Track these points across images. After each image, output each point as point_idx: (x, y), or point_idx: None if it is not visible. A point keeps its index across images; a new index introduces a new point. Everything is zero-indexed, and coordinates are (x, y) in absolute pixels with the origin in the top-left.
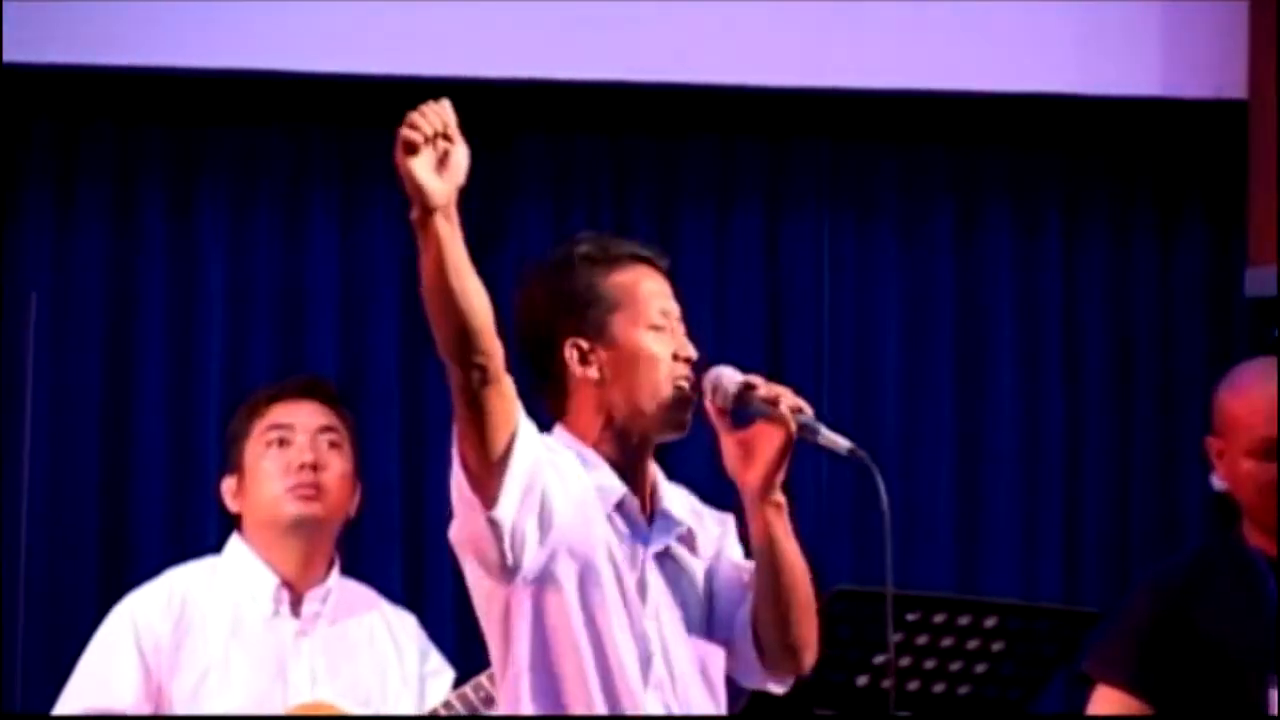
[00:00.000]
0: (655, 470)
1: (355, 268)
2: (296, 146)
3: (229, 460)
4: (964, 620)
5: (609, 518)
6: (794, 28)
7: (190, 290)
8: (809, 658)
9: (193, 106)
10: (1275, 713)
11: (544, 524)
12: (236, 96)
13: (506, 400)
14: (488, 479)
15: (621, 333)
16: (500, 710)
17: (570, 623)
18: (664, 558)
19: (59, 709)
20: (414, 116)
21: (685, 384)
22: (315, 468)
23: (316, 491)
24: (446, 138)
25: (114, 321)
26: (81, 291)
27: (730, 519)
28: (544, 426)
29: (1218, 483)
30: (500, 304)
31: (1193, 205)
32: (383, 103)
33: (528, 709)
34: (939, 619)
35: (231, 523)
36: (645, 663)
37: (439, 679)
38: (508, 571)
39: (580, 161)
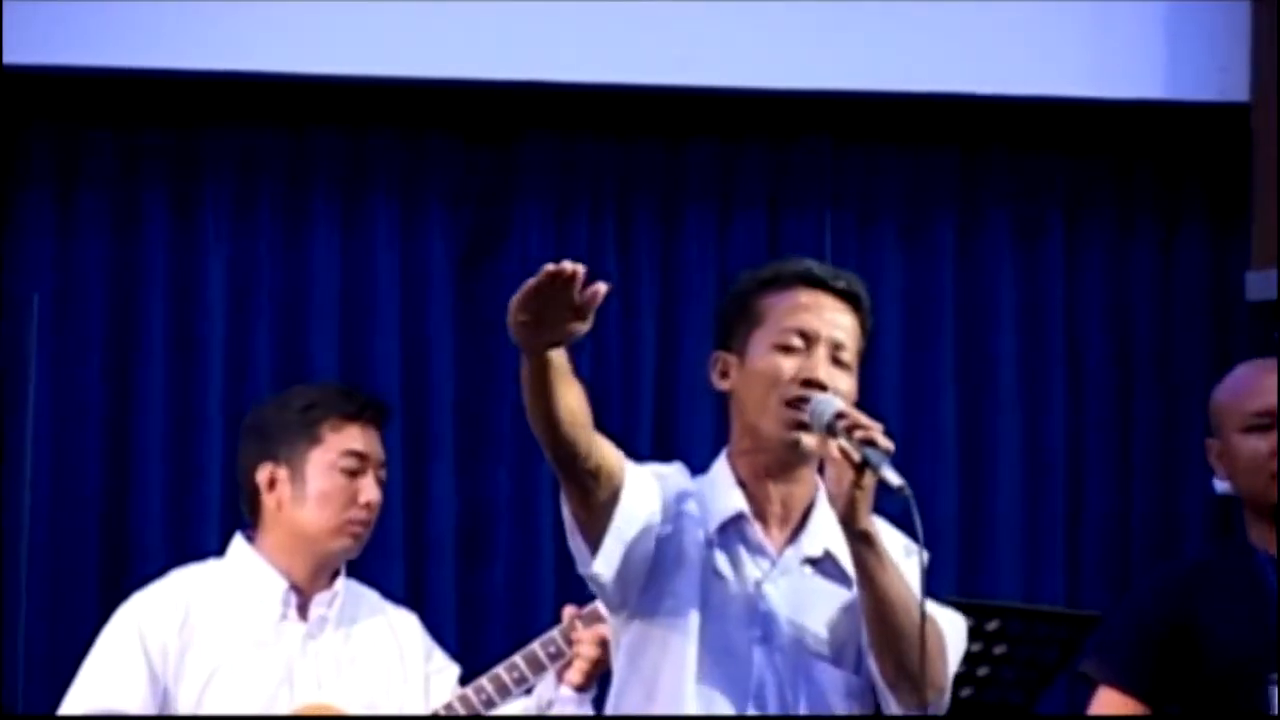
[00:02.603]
0: (812, 490)
1: (357, 270)
2: (299, 149)
3: (273, 449)
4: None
5: (713, 539)
6: (795, 30)
7: (192, 292)
8: (931, 694)
9: (194, 108)
10: (1276, 710)
11: (645, 571)
12: (238, 98)
13: (606, 467)
14: (591, 533)
15: (753, 349)
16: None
17: (662, 654)
18: (801, 573)
19: (64, 710)
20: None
21: (795, 406)
22: (373, 509)
23: (366, 531)
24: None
25: (116, 323)
26: (83, 293)
27: (916, 549)
28: None
29: (1220, 485)
30: (503, 304)
31: (1194, 208)
32: (385, 105)
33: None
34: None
35: (234, 522)
36: (751, 685)
37: (443, 676)
38: (613, 608)
39: (583, 163)
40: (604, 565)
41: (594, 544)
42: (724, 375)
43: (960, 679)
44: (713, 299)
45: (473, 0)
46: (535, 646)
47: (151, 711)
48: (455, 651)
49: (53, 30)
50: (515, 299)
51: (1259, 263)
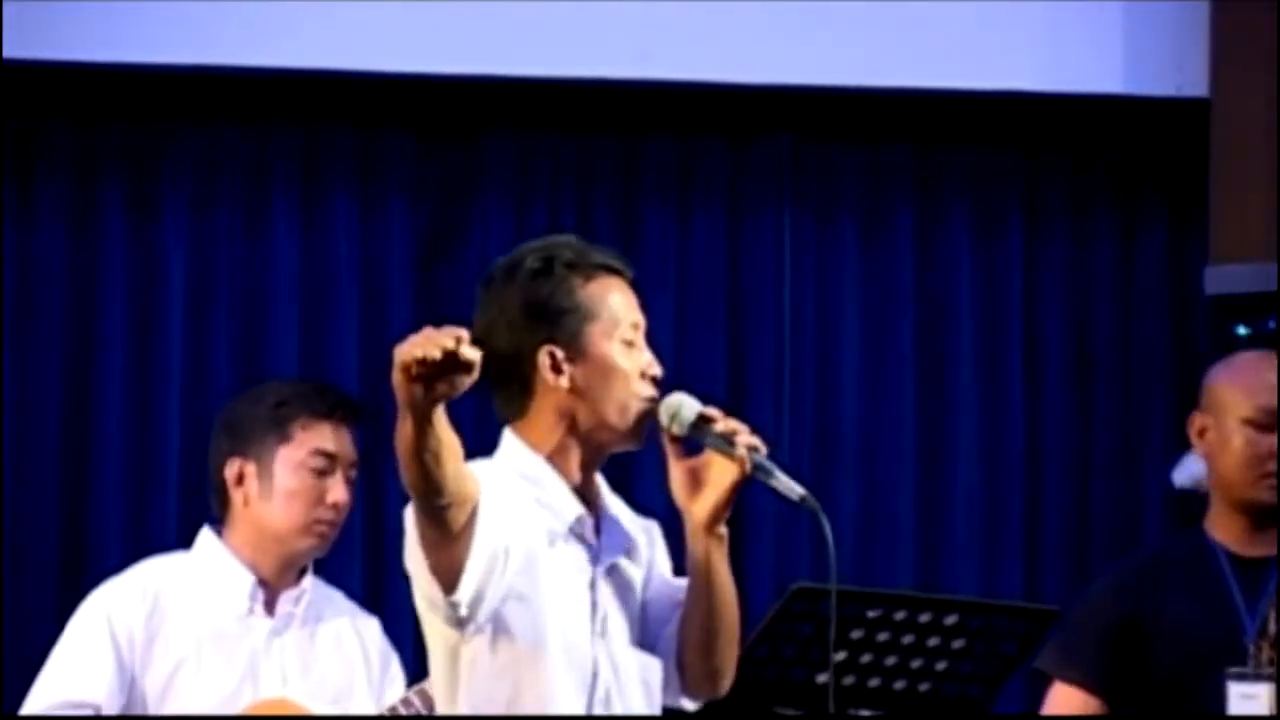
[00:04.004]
0: (600, 481)
1: (317, 266)
2: (257, 143)
3: (243, 445)
4: (925, 617)
5: (562, 540)
6: (754, 25)
7: (151, 287)
8: (726, 683)
9: (153, 103)
10: (1232, 708)
11: (497, 583)
12: (197, 93)
13: (468, 494)
14: (448, 568)
15: (595, 345)
16: None
17: (519, 655)
18: (613, 571)
19: (31, 700)
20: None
21: (650, 402)
22: (339, 509)
23: (333, 531)
24: (465, 369)
25: (74, 318)
26: (42, 289)
27: (655, 527)
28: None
29: (1180, 478)
30: (462, 300)
31: (1153, 203)
32: (345, 98)
33: None
34: (900, 616)
35: (190, 518)
36: (593, 681)
37: (394, 687)
38: (460, 625)
39: (542, 159)
40: (467, 590)
41: (453, 569)
42: (556, 370)
43: (919, 673)
44: (672, 294)
45: None
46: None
47: (119, 700)
48: (410, 652)
49: (9, 25)
50: (405, 363)
51: (1217, 257)
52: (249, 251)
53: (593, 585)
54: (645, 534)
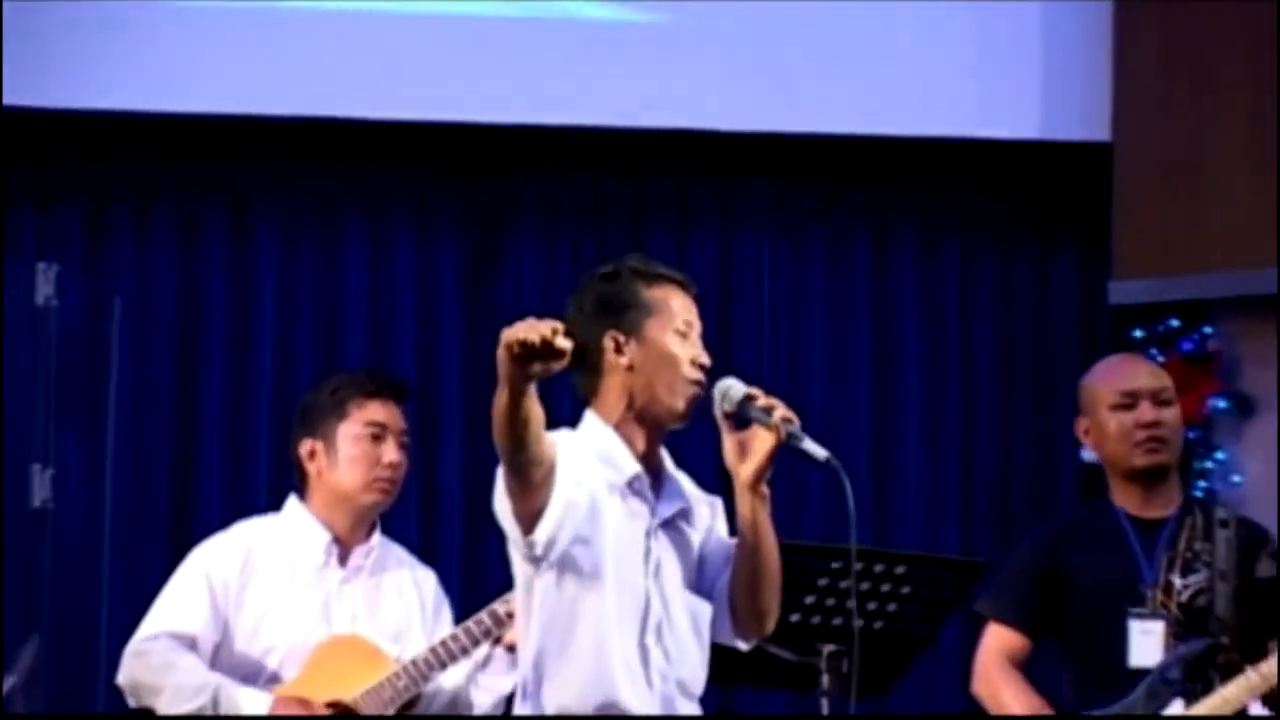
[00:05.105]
0: (664, 454)
1: (380, 283)
2: (332, 183)
3: (312, 427)
4: (879, 568)
5: (621, 493)
6: (738, 81)
7: (246, 302)
8: (771, 624)
9: (249, 148)
10: (1133, 641)
11: (568, 529)
12: (285, 140)
13: (548, 455)
14: (530, 506)
15: (652, 334)
16: (520, 651)
17: (581, 587)
18: (668, 527)
19: (141, 630)
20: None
21: (697, 385)
22: (395, 467)
23: (392, 487)
24: (558, 355)
25: (183, 321)
26: (157, 296)
27: (719, 502)
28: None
29: (1087, 455)
30: (500, 312)
31: (1065, 230)
32: (404, 145)
33: (544, 652)
34: (858, 566)
35: (279, 488)
36: (644, 611)
37: (444, 627)
38: (535, 562)
39: (566, 195)
40: (543, 534)
41: (533, 515)
42: (619, 351)
43: (873, 614)
44: None
45: (476, 55)
46: (481, 615)
47: (213, 636)
48: (459, 597)
49: (133, 78)
50: (510, 343)
51: (1118, 274)
52: (326, 272)
53: (649, 534)
54: (709, 507)
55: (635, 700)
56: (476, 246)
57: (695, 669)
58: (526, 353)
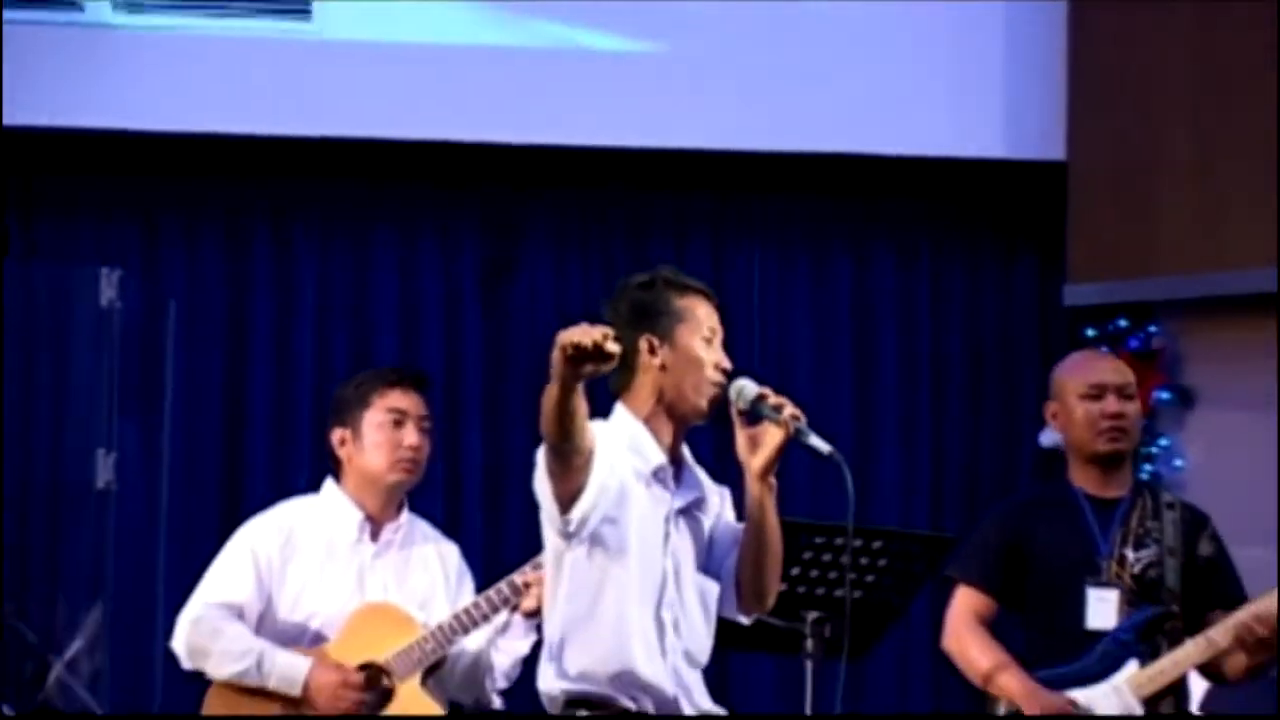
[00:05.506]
0: (685, 448)
1: (409, 287)
2: (367, 198)
3: (342, 417)
4: (858, 543)
5: (647, 481)
6: (730, 104)
7: (290, 304)
8: (771, 601)
9: (290, 167)
10: (1090, 607)
11: (599, 510)
12: (323, 159)
13: (589, 443)
14: (569, 487)
15: (683, 339)
16: (546, 617)
17: (606, 563)
18: (685, 513)
19: (192, 600)
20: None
21: (718, 387)
22: (417, 449)
23: (415, 467)
24: (607, 358)
25: (231, 322)
26: (206, 300)
27: (727, 491)
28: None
29: (1046, 440)
30: (516, 315)
31: (1025, 239)
32: (430, 164)
33: (570, 620)
34: (839, 541)
35: (318, 471)
36: (661, 588)
37: (466, 597)
38: (567, 538)
39: (575, 209)
40: (578, 513)
41: (570, 495)
42: (652, 353)
43: (853, 584)
44: None
45: (495, 82)
46: (501, 585)
47: (257, 606)
48: (480, 569)
49: (175, 100)
50: (565, 345)
51: (1073, 279)
52: (359, 278)
53: (668, 519)
54: (719, 495)
55: (649, 667)
56: (494, 256)
57: (702, 641)
58: (579, 354)
